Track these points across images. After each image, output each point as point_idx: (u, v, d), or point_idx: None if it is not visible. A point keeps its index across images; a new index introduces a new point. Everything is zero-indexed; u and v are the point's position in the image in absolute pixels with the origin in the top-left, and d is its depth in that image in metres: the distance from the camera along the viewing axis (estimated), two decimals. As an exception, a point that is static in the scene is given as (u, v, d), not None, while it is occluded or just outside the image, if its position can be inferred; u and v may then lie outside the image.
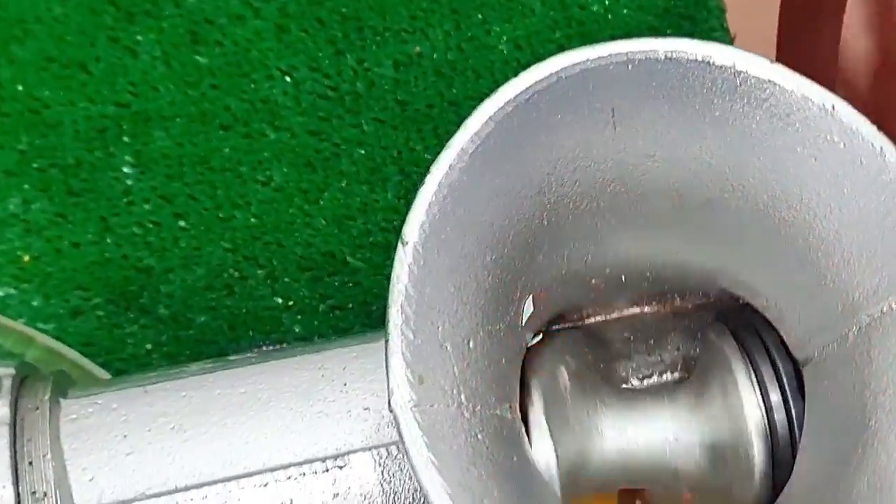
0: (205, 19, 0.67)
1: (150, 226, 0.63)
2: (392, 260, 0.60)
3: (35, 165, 0.64)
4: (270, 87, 0.66)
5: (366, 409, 0.45)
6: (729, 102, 0.41)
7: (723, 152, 0.42)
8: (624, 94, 0.41)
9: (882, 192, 0.40)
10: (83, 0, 0.67)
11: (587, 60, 0.40)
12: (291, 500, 0.43)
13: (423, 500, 0.43)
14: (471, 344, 0.40)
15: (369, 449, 0.44)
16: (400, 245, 0.38)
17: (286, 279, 0.62)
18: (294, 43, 0.67)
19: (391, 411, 0.37)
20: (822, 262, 0.42)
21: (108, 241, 0.63)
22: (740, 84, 0.41)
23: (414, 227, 0.38)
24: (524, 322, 0.43)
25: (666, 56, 0.41)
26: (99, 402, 0.45)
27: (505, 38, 0.68)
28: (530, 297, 0.43)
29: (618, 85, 0.41)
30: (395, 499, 0.43)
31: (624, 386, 0.50)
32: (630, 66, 0.40)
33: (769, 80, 0.41)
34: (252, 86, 0.66)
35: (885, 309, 0.41)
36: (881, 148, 0.40)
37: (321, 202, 0.64)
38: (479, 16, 0.68)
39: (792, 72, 0.41)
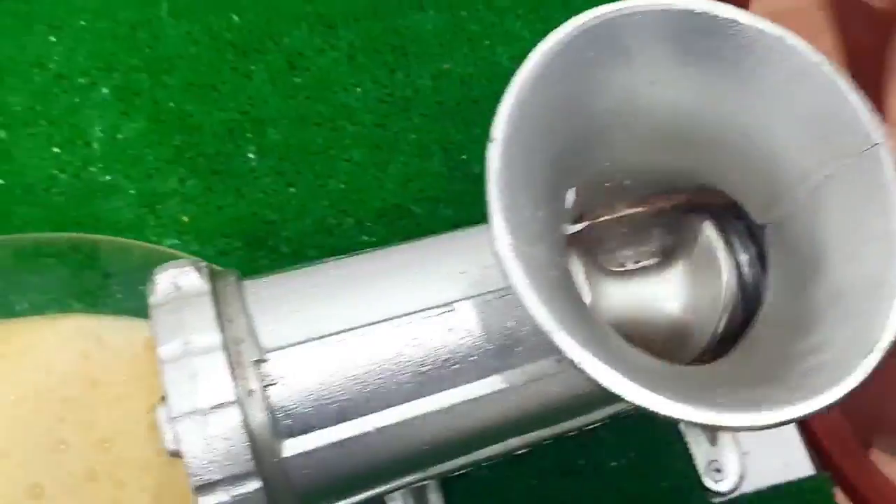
0: (297, 52, 0.65)
1: (270, 192, 0.61)
2: (441, 209, 0.59)
3: (187, 155, 0.62)
4: (346, 96, 0.64)
5: (462, 272, 0.43)
6: (707, 39, 0.40)
7: (702, 77, 0.40)
8: (636, 36, 0.39)
9: (820, 92, 0.39)
10: (211, 43, 0.65)
11: (613, 11, 0.39)
12: (415, 337, 0.41)
13: (506, 334, 0.41)
14: (539, 213, 0.38)
15: (468, 298, 0.42)
16: (489, 142, 0.36)
17: (368, 224, 0.60)
18: (360, 66, 0.65)
19: (495, 254, 0.35)
20: (777, 150, 0.41)
21: (242, 203, 0.61)
22: (713, 24, 0.40)
23: (499, 126, 0.37)
24: (567, 208, 0.42)
25: (662, 9, 0.39)
26: (269, 281, 0.43)
27: (506, 56, 0.66)
28: (573, 189, 0.41)
29: (634, 29, 0.39)
30: (488, 331, 0.41)
31: (622, 269, 0.49)
32: (642, 17, 0.39)
33: (733, 20, 0.39)
34: (334, 96, 0.64)
35: (826, 174, 0.39)
36: (818, 61, 0.39)
37: (388, 171, 0.62)
38: (487, 42, 0.67)
39: (750, 13, 0.40)
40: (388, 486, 0.44)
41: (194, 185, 0.61)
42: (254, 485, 0.40)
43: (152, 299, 0.42)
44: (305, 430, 0.41)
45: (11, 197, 0.60)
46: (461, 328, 0.42)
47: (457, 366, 0.42)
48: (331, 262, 0.44)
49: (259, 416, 0.40)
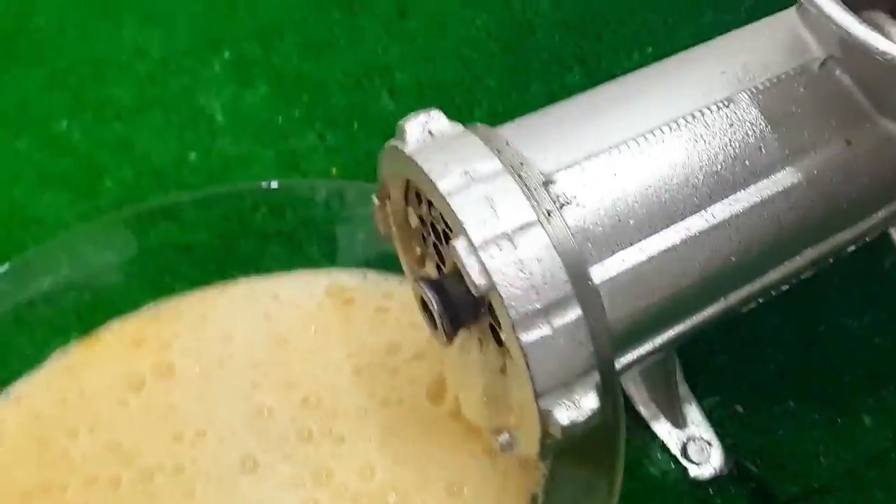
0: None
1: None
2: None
3: (319, 111, 0.59)
4: (466, 29, 0.61)
5: (722, 72, 0.39)
6: None
7: None
8: None
9: None
10: (314, 4, 0.62)
11: None
12: (700, 136, 0.37)
13: (790, 120, 0.38)
14: None
15: (742, 91, 0.39)
16: None
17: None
18: (472, 1, 0.63)
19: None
20: None
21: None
22: None
23: None
24: None
25: None
26: (521, 122, 0.40)
27: None
28: None
29: None
30: (771, 119, 0.38)
31: None
32: None
33: None
34: (454, 31, 0.62)
35: None
36: None
37: (530, 91, 0.59)
38: None
39: None
40: (689, 323, 0.40)
41: (336, 137, 0.57)
42: (574, 312, 0.35)
43: (408, 148, 0.37)
44: (609, 251, 0.36)
45: (143, 184, 0.55)
46: (744, 120, 0.38)
47: (748, 162, 0.38)
48: (578, 95, 0.40)
49: (563, 238, 0.36)
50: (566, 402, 0.36)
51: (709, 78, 0.40)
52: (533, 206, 0.35)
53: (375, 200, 0.43)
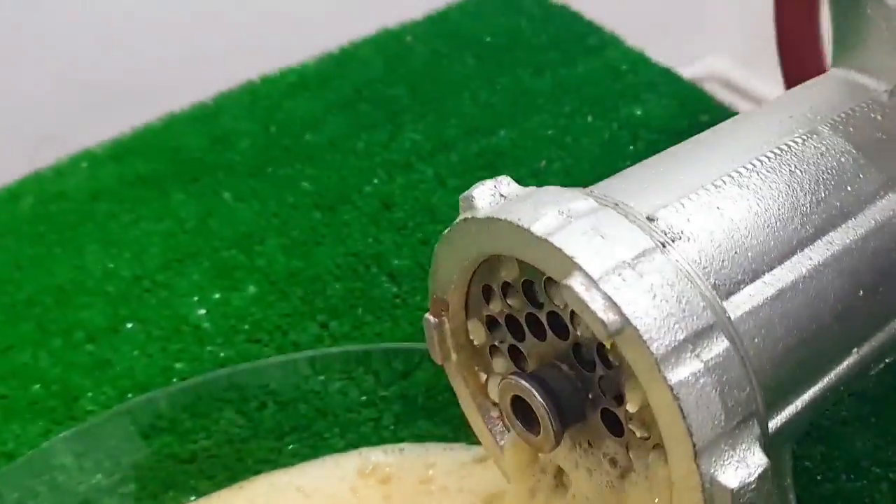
0: (387, 194, 0.60)
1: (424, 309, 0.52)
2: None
3: (317, 302, 0.54)
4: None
5: (791, 116, 0.37)
6: None
7: None
8: None
9: None
10: (293, 210, 0.59)
11: None
12: (795, 166, 0.34)
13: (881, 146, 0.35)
14: None
15: (824, 123, 0.36)
16: None
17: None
18: (457, 188, 0.61)
19: None
20: None
21: (397, 329, 0.52)
22: None
23: None
24: None
25: None
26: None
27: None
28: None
29: None
30: (861, 146, 0.36)
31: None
32: None
33: None
34: (448, 215, 0.58)
35: None
36: None
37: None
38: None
39: None
40: (828, 380, 0.34)
41: (341, 324, 0.52)
42: (722, 343, 0.30)
43: (480, 212, 0.33)
44: (734, 285, 0.32)
45: (128, 400, 0.49)
46: (832, 148, 0.36)
47: (850, 188, 0.35)
48: (653, 157, 0.37)
49: (686, 268, 0.31)
50: (730, 459, 0.30)
51: (780, 120, 0.37)
52: (646, 235, 0.31)
53: (430, 319, 0.38)
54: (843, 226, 0.34)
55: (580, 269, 0.30)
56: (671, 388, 0.29)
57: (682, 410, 0.29)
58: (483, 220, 0.33)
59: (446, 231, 0.36)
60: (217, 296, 0.54)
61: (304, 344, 0.51)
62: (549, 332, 0.34)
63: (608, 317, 0.29)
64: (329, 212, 0.59)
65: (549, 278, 0.32)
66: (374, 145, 0.64)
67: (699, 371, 0.29)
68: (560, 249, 0.30)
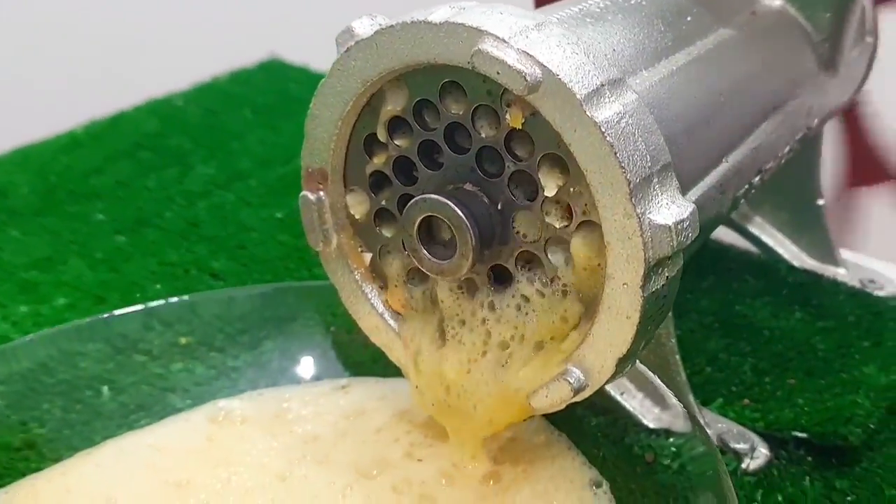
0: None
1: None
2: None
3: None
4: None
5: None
6: None
7: None
8: None
9: None
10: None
11: None
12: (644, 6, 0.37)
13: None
14: None
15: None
16: None
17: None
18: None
19: None
20: None
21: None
22: None
23: None
24: None
25: None
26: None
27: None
28: None
29: None
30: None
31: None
32: None
33: None
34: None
35: None
36: None
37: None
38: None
39: None
40: (720, 171, 0.36)
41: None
42: (631, 95, 0.31)
43: (365, 35, 0.33)
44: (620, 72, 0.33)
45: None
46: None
47: (688, 18, 0.38)
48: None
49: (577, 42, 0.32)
50: (660, 201, 0.30)
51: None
52: (540, 15, 0.32)
53: (308, 195, 0.36)
54: (692, 45, 0.37)
55: (488, 34, 0.30)
56: (599, 127, 0.29)
57: (612, 147, 0.29)
58: (371, 39, 0.33)
59: (319, 86, 0.35)
60: (24, 309, 0.48)
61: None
62: (448, 152, 0.33)
63: (528, 69, 0.29)
64: (132, 234, 0.56)
65: (445, 87, 0.32)
66: (165, 181, 0.62)
67: (620, 112, 0.30)
68: (463, 24, 0.30)
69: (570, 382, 0.33)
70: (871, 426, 0.41)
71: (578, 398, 0.33)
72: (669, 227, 0.30)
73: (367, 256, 0.37)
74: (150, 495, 0.37)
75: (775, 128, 0.40)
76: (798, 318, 0.49)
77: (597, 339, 0.32)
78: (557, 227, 0.32)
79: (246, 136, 0.68)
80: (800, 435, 0.41)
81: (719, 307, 0.50)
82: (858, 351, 0.46)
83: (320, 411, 0.41)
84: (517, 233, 0.33)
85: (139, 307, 0.43)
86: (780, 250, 0.54)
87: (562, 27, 0.31)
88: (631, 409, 0.40)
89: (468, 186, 0.33)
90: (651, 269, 0.30)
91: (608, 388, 0.41)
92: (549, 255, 0.33)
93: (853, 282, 0.52)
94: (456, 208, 0.32)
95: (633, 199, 0.29)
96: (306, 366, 0.44)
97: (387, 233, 0.36)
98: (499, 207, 0.33)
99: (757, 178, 0.40)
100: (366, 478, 0.37)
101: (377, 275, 0.37)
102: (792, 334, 0.48)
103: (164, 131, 0.68)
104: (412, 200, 0.33)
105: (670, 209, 0.30)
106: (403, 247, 0.36)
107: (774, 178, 0.51)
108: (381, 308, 0.38)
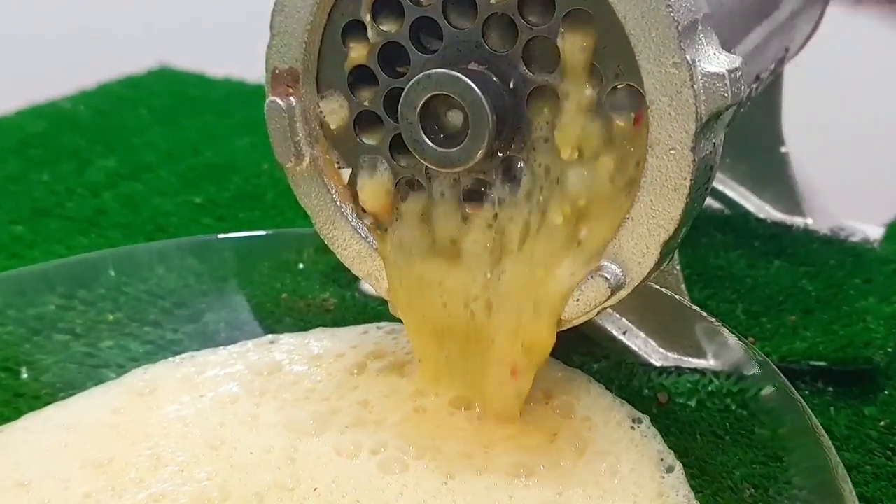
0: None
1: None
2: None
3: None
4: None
5: None
6: None
7: None
8: None
9: None
10: None
11: None
12: None
13: None
14: None
15: None
16: None
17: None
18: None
19: None
20: None
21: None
22: None
23: None
24: None
25: None
26: None
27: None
28: None
29: None
30: None
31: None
32: None
33: None
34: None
35: None
36: None
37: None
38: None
39: None
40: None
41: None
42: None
43: None
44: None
45: None
46: None
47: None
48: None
49: None
50: (708, 52, 0.27)
51: None
52: None
53: (276, 101, 0.32)
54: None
55: None
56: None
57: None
58: None
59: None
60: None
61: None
62: (448, 27, 0.29)
63: None
64: (31, 223, 0.49)
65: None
66: (63, 175, 0.56)
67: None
68: None
69: (606, 278, 0.29)
70: (890, 349, 0.39)
71: (615, 299, 0.29)
72: (723, 74, 0.26)
73: (346, 173, 0.33)
74: (70, 480, 0.31)
75: (767, 35, 0.38)
76: (778, 265, 0.47)
77: (637, 222, 0.28)
78: (587, 89, 0.28)
79: (146, 133, 0.62)
80: (818, 364, 0.38)
81: (691, 261, 0.47)
82: (852, 287, 0.44)
83: (234, 373, 0.36)
84: (533, 116, 0.29)
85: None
86: (745, 203, 0.51)
87: None
88: (636, 349, 0.37)
89: (473, 66, 0.29)
90: (702, 129, 0.27)
91: (609, 327, 0.37)
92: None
93: (824, 230, 0.50)
94: (469, 81, 0.28)
95: (682, 44, 0.26)
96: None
97: (370, 140, 0.32)
98: (511, 87, 0.29)
99: (755, 85, 0.37)
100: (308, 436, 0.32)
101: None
102: (776, 280, 0.45)
103: (54, 131, 0.62)
104: (414, 80, 0.29)
105: (719, 59, 0.27)
106: (391, 154, 0.31)
107: (735, 128, 0.49)
108: (363, 231, 0.33)
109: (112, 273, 0.41)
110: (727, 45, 0.30)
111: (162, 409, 0.34)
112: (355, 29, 0.31)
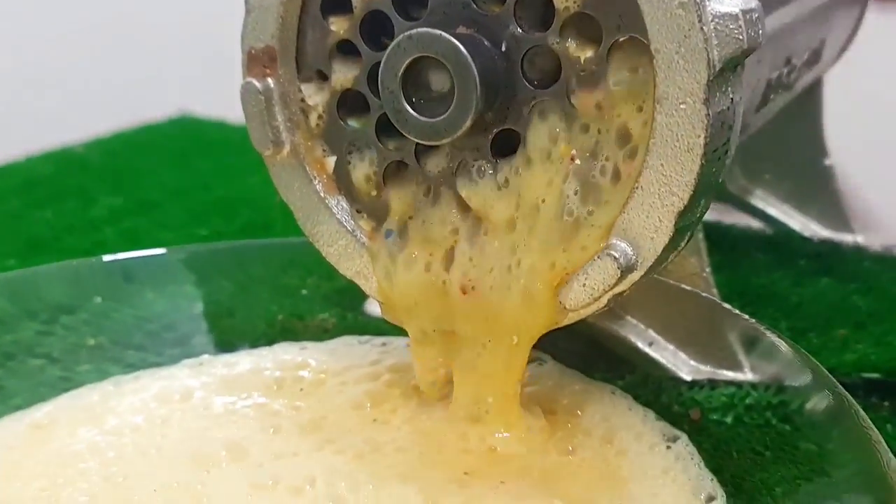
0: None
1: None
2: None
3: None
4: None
5: None
6: None
7: None
8: None
9: None
10: None
11: None
12: None
13: None
14: None
15: None
16: None
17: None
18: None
19: None
20: None
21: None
22: None
23: None
24: None
25: None
26: None
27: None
28: None
29: None
30: None
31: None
32: None
33: None
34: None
35: None
36: None
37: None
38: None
39: None
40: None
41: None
42: None
43: None
44: None
45: None
46: None
47: None
48: None
49: None
50: (720, -6, 0.24)
51: None
52: None
53: (252, 82, 0.30)
54: None
55: None
56: None
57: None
58: None
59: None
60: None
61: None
62: (436, -12, 0.27)
63: None
64: (25, 257, 0.48)
65: None
66: (66, 212, 0.54)
67: None
68: None
69: (614, 257, 0.26)
70: (950, 363, 0.35)
71: (626, 282, 0.26)
72: (737, 14, 0.24)
73: (331, 161, 0.30)
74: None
75: (798, 17, 0.35)
76: (825, 283, 0.43)
77: (646, 191, 0.25)
78: (582, 58, 0.26)
79: (155, 172, 0.61)
80: (871, 376, 0.35)
81: (730, 280, 0.44)
82: (907, 303, 0.40)
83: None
84: (528, 80, 0.26)
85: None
86: (789, 221, 0.48)
87: None
88: (664, 363, 0.33)
89: (461, 30, 0.27)
90: (715, 78, 0.24)
91: (633, 339, 0.34)
92: (573, 100, 0.26)
93: (875, 247, 0.46)
94: (455, 41, 0.25)
95: (689, -19, 0.23)
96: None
97: (355, 123, 0.29)
98: (503, 50, 0.26)
99: (786, 70, 0.35)
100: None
101: (343, 183, 0.30)
102: (824, 297, 0.42)
103: (60, 173, 0.61)
104: (394, 41, 0.26)
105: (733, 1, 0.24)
106: (378, 136, 0.29)
107: (774, 140, 0.46)
108: (350, 225, 0.30)
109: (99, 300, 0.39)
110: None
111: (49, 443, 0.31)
112: (336, 1, 0.29)
